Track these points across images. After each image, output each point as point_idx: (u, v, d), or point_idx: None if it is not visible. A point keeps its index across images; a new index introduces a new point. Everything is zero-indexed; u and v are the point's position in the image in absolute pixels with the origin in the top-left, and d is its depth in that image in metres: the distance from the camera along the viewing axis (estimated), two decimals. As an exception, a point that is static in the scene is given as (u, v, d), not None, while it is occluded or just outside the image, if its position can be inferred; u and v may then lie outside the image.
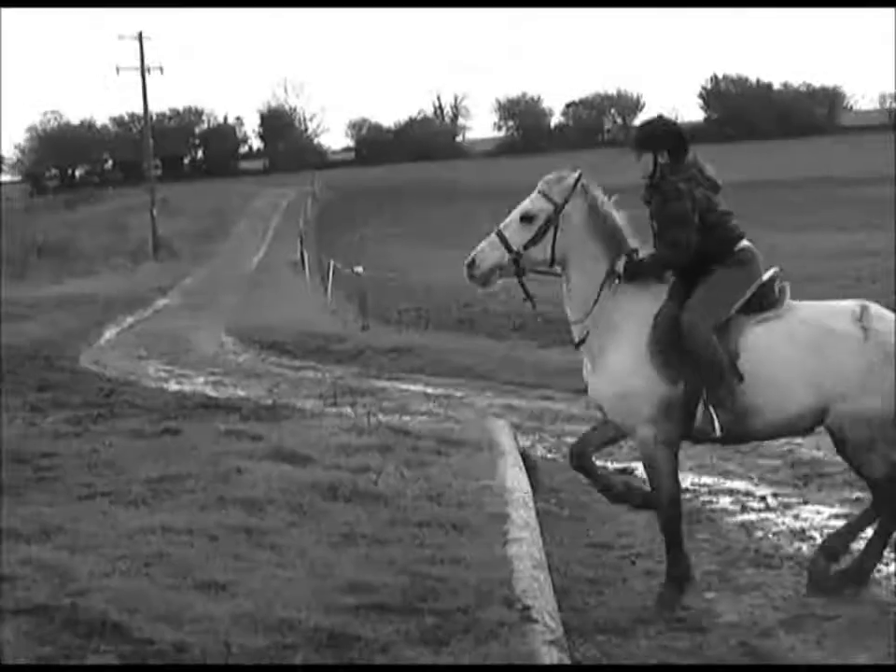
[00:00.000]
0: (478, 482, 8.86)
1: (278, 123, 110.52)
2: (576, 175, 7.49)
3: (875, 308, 7.44)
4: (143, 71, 63.90)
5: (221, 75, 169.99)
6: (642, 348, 7.30)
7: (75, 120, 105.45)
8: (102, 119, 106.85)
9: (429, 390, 14.19)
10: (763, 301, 7.44)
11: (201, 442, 10.16)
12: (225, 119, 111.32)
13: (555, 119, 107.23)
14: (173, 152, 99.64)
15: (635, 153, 7.60)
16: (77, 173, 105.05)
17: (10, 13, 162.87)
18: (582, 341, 7.43)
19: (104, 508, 7.82)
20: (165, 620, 5.78)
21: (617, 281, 7.42)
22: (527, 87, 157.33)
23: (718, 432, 7.25)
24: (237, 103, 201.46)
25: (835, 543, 7.43)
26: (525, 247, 7.44)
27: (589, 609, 7.08)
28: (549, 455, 11.69)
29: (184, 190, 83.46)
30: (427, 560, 6.99)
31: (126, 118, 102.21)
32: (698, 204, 7.34)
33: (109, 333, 24.77)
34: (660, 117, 7.91)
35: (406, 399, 14.46)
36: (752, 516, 8.91)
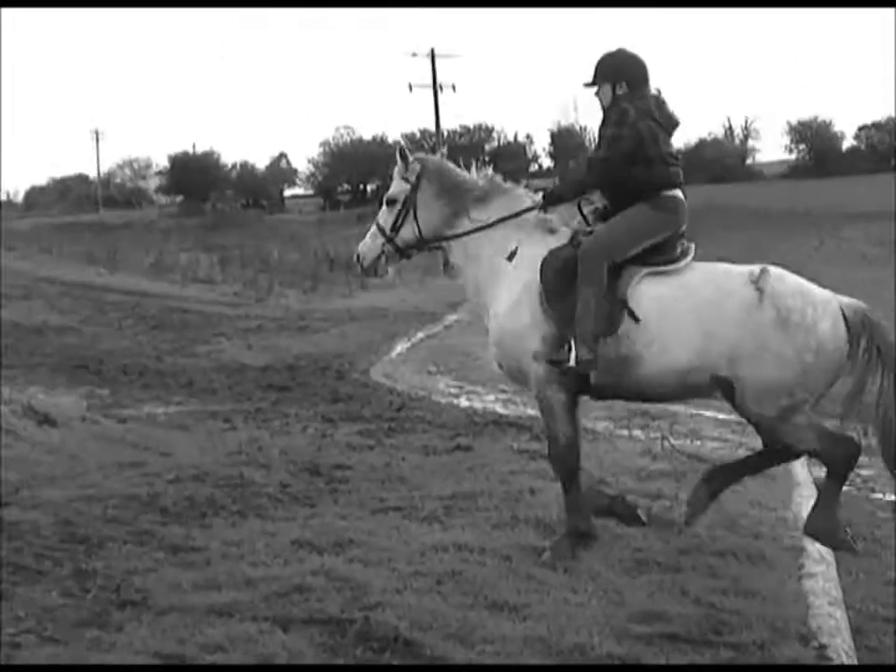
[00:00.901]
0: (773, 512, 8.59)
1: (568, 142, 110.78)
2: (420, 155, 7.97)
3: (775, 270, 7.19)
4: (435, 88, 65.21)
5: (512, 92, 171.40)
6: (533, 287, 7.37)
7: (367, 136, 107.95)
8: (394, 135, 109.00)
9: (721, 416, 13.80)
10: (662, 257, 7.35)
11: (492, 460, 10.16)
12: (515, 137, 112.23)
13: (847, 143, 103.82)
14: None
15: (595, 85, 7.64)
16: (369, 188, 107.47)
17: (308, 32, 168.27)
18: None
19: (396, 522, 7.88)
20: (457, 639, 5.77)
21: (541, 212, 7.67)
22: (819, 110, 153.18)
23: (571, 362, 7.14)
24: (527, 121, 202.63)
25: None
26: (395, 230, 7.91)
27: (884, 649, 6.76)
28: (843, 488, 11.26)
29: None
30: (721, 591, 6.78)
31: (417, 134, 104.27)
32: (640, 134, 7.33)
33: (400, 347, 25.13)
34: (620, 49, 7.73)
35: (698, 423, 14.14)
36: None
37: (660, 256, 7.38)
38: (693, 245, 7.50)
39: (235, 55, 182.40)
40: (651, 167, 7.40)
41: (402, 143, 8.09)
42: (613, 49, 7.73)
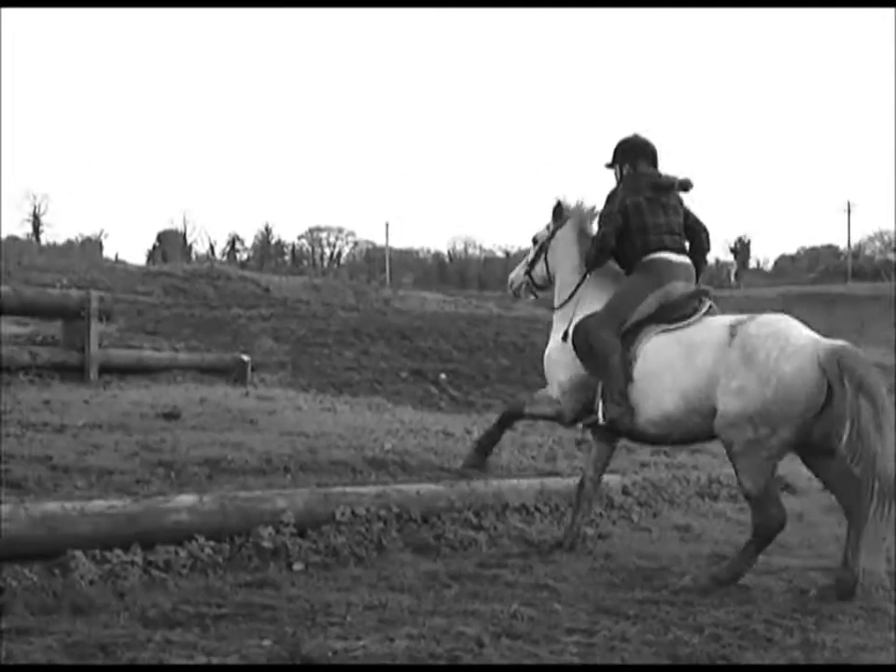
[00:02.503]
0: None
1: None
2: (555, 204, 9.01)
3: (764, 317, 7.70)
4: None
5: None
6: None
7: None
8: None
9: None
10: (675, 314, 8.07)
11: None
12: None
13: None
14: None
15: (612, 167, 8.72)
16: None
17: None
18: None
19: None
20: None
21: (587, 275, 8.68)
22: None
23: (600, 419, 8.12)
24: None
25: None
26: (531, 266, 9.24)
27: None
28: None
29: None
30: None
31: None
32: (626, 208, 8.37)
33: None
34: (634, 134, 8.71)
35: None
36: None
37: (673, 313, 8.10)
38: (709, 302, 8.20)
39: None
40: (639, 237, 8.34)
41: (560, 200, 9.09)
42: (630, 134, 8.74)
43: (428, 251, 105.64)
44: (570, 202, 9.01)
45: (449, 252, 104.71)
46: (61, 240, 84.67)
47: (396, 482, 9.22)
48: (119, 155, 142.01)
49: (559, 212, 8.99)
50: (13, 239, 61.88)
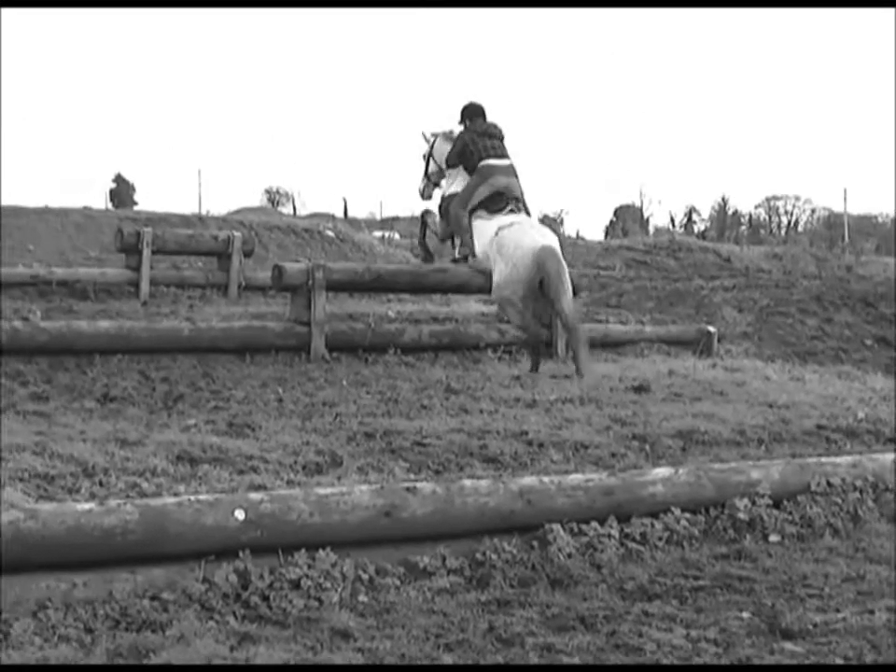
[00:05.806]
0: None
1: None
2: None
3: (514, 228, 12.97)
4: None
5: None
6: None
7: None
8: None
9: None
10: (494, 207, 13.35)
11: None
12: None
13: None
14: None
15: (461, 122, 14.11)
16: None
17: None
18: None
19: None
20: None
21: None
22: None
23: (457, 255, 14.23)
24: None
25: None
26: (426, 171, 14.71)
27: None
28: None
29: None
30: None
31: None
32: (464, 142, 13.77)
33: None
34: (471, 101, 14.14)
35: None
36: None
37: (494, 206, 13.31)
38: (521, 206, 13.47)
39: None
40: (476, 154, 13.56)
41: (423, 132, 14.69)
42: (467, 101, 14.12)
43: (887, 216, 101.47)
44: (428, 130, 14.53)
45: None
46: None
47: (870, 451, 8.95)
48: (574, 137, 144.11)
49: (425, 136, 14.46)
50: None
